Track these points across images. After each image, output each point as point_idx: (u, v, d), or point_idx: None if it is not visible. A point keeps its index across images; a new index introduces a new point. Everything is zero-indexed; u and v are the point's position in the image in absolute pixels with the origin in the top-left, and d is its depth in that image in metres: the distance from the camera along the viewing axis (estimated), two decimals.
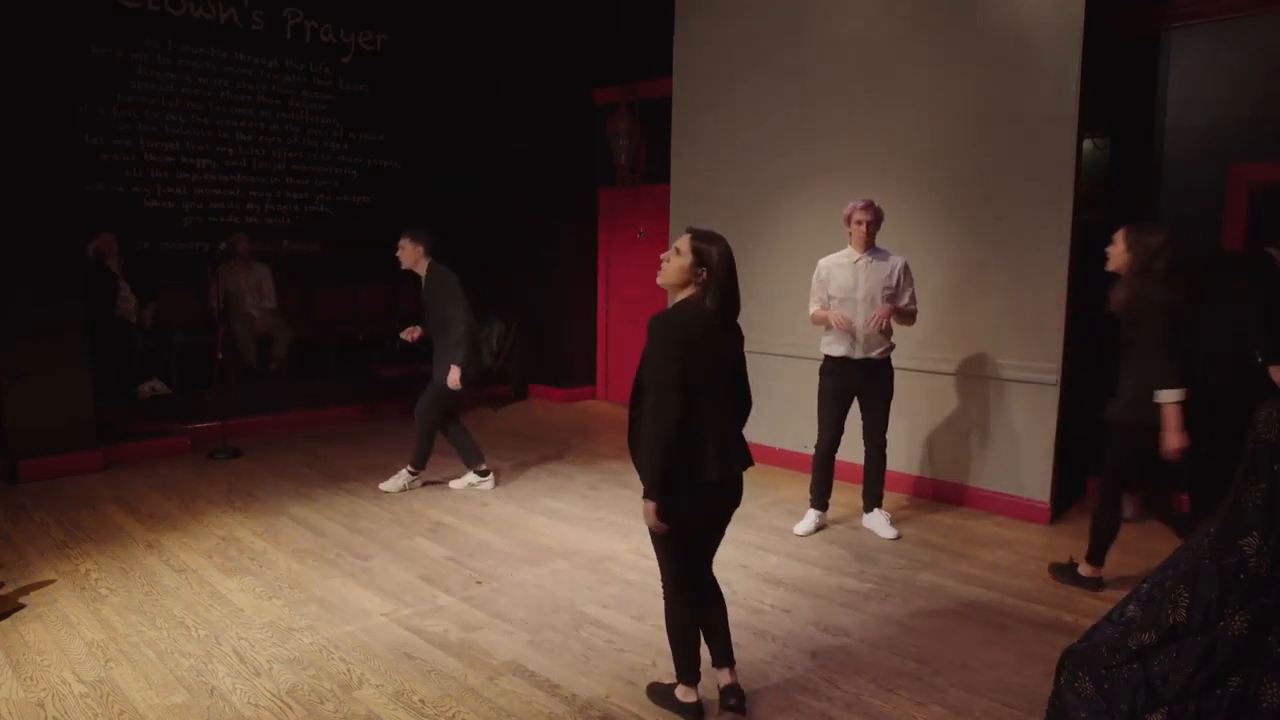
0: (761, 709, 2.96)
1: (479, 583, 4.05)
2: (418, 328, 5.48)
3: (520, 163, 8.70)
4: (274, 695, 3.01)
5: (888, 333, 4.61)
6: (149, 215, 7.44)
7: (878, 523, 4.80)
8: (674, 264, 2.72)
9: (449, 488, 5.57)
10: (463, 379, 5.23)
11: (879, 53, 5.50)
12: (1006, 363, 5.08)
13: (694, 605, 2.89)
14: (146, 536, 4.62)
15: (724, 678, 2.94)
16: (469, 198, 9.07)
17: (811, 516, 4.86)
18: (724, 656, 2.95)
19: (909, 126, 5.39)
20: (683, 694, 2.92)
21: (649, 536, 2.82)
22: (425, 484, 5.63)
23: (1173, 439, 3.63)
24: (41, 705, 2.94)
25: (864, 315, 4.54)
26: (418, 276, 5.44)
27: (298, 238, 8.33)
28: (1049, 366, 4.91)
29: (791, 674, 3.21)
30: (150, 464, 6.11)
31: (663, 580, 2.88)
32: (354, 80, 8.54)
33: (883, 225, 4.63)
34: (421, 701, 2.98)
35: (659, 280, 2.79)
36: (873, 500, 4.84)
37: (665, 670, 3.15)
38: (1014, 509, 5.10)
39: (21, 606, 3.72)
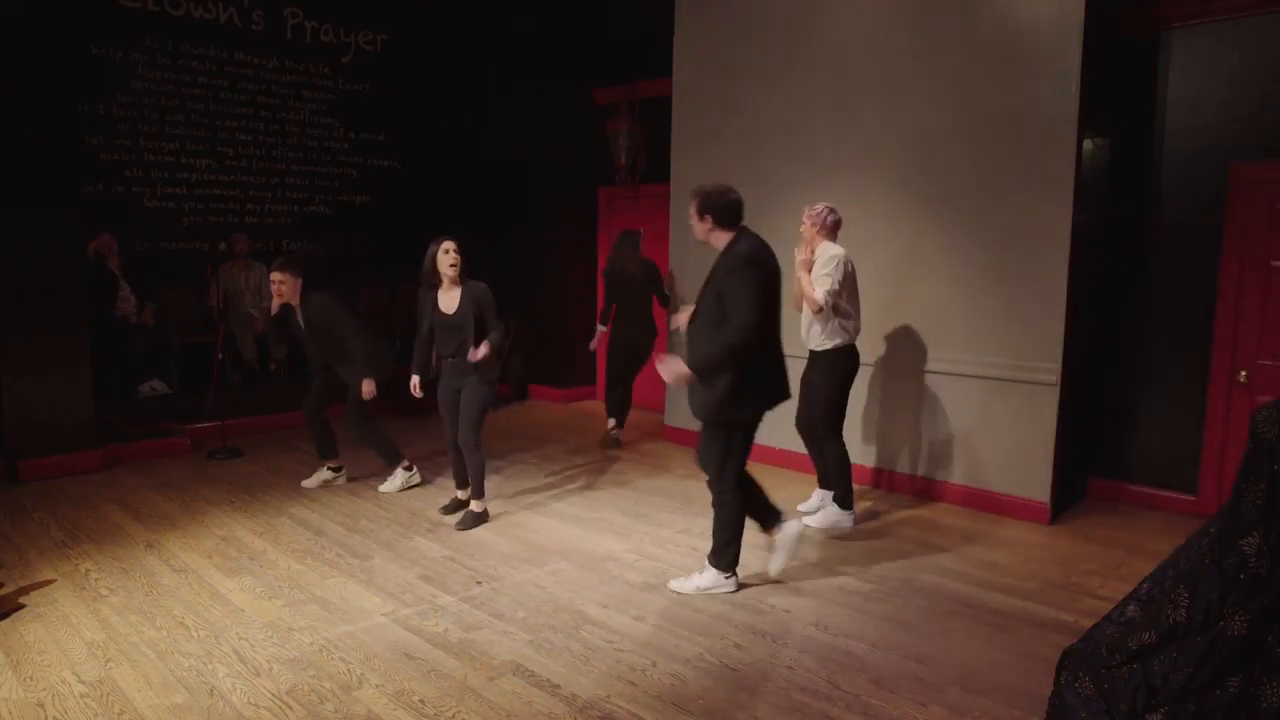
0: (762, 709, 2.97)
1: (479, 583, 4.05)
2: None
3: (520, 162, 8.69)
4: (274, 695, 3.01)
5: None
6: (149, 215, 7.43)
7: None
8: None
9: (302, 486, 5.57)
10: (377, 386, 5.30)
11: (878, 52, 5.50)
12: (1006, 363, 5.08)
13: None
14: (146, 536, 4.62)
15: (463, 494, 5.01)
16: (469, 198, 9.07)
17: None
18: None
19: (909, 126, 5.39)
20: (477, 505, 4.87)
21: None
22: (425, 482, 5.64)
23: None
24: (41, 705, 2.94)
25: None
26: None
27: (298, 238, 8.33)
28: (1049, 366, 4.91)
29: (791, 674, 3.21)
30: (150, 464, 6.11)
31: (475, 441, 4.73)
32: (354, 80, 8.53)
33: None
34: (421, 701, 2.99)
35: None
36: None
37: (665, 670, 3.23)
38: (1014, 509, 5.10)
39: (21, 606, 3.72)
